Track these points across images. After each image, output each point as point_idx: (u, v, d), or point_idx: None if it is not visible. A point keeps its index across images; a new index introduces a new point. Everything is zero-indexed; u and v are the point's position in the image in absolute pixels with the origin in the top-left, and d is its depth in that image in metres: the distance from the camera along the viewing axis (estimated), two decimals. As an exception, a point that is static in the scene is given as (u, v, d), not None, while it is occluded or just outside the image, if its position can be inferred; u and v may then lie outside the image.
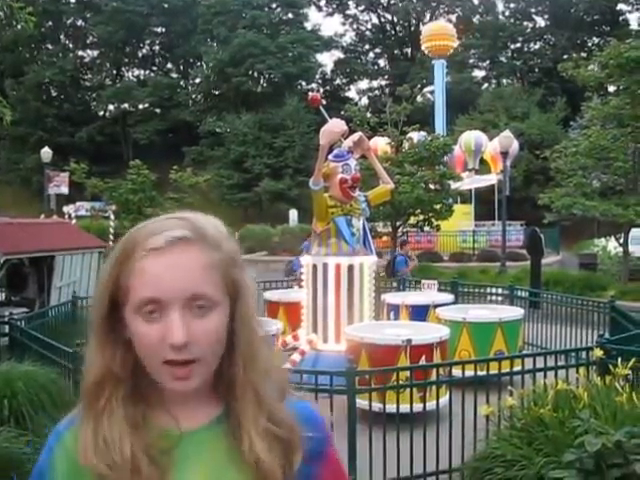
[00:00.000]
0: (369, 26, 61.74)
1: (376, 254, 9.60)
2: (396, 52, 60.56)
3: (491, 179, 31.21)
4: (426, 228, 21.20)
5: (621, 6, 52.88)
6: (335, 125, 8.59)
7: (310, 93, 10.09)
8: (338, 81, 60.80)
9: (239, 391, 1.21)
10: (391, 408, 5.52)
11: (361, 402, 5.72)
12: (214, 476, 1.20)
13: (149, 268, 1.14)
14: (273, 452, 1.19)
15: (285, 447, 1.21)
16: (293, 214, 34.49)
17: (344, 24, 61.74)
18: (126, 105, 54.55)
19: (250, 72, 50.45)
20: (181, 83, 57.75)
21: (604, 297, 12.69)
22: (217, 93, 53.91)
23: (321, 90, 54.39)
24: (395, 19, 60.20)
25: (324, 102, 9.90)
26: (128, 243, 1.19)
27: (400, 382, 5.67)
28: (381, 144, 22.57)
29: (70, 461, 1.21)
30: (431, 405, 5.88)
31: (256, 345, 1.24)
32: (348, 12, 60.89)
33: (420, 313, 9.63)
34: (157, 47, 60.57)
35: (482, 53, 55.21)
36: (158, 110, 54.32)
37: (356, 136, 9.24)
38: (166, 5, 55.23)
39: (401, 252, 15.33)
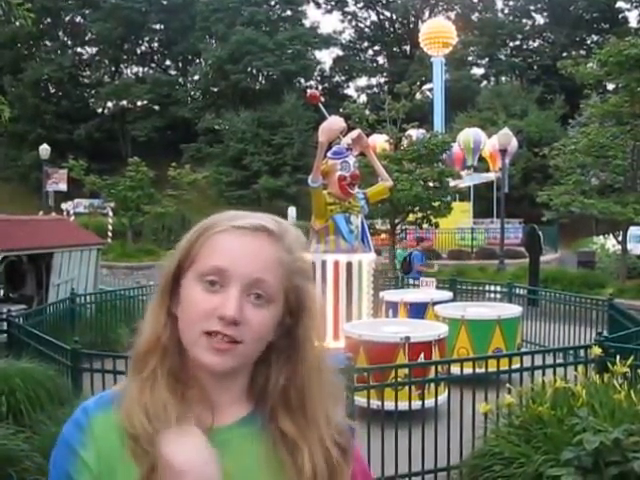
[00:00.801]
0: (368, 23, 61.71)
1: (375, 251, 9.61)
2: (395, 49, 60.51)
3: (490, 177, 31.23)
4: (425, 226, 21.19)
5: (620, 4, 52.90)
6: (334, 122, 8.59)
7: (309, 90, 10.10)
8: (337, 78, 60.74)
9: (308, 404, 1.23)
10: (389, 406, 5.52)
11: (359, 400, 5.72)
12: (240, 477, 1.20)
13: (225, 240, 1.20)
14: (331, 460, 1.23)
15: (342, 454, 1.25)
16: (292, 211, 34.44)
17: (343, 21, 61.73)
18: (124, 102, 54.45)
19: (249, 69, 50.37)
20: (180, 80, 57.65)
21: (602, 295, 12.71)
22: (216, 90, 53.81)
23: (320, 87, 54.31)
24: (394, 16, 60.13)
25: (323, 99, 9.90)
26: (209, 221, 1.24)
27: (398, 380, 5.67)
28: (380, 141, 22.56)
29: (108, 436, 1.19)
30: (429, 403, 5.88)
31: (321, 358, 1.27)
32: (347, 9, 60.87)
33: (418, 311, 9.64)
34: (156, 44, 60.45)
35: (481, 51, 55.17)
36: (157, 107, 54.22)
37: (355, 133, 9.24)
38: (165, 2, 55.14)
39: (418, 248, 15.25)
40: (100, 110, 56.34)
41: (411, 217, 20.62)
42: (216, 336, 1.16)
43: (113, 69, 58.79)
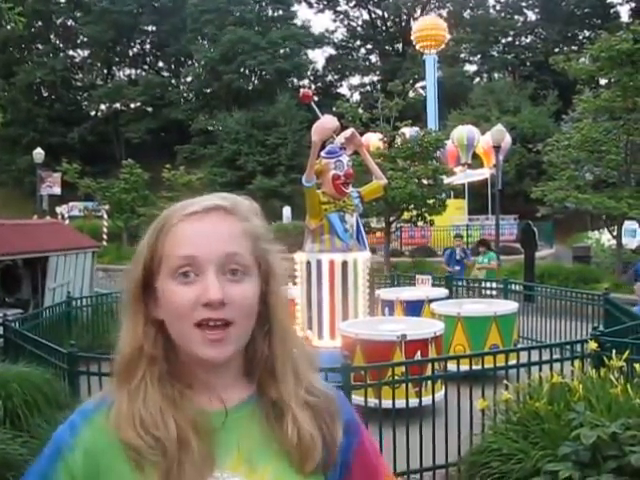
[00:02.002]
0: (360, 22, 61.65)
1: (369, 250, 9.61)
2: (387, 48, 60.46)
3: (484, 173, 31.22)
4: (420, 223, 21.21)
5: (611, -1, 53.02)
6: (327, 122, 8.58)
7: (301, 90, 10.09)
8: (330, 77, 60.72)
9: (278, 364, 1.24)
10: (387, 404, 5.53)
11: (357, 398, 5.73)
12: (247, 458, 1.20)
13: (185, 230, 1.19)
14: (313, 422, 1.22)
15: (325, 417, 1.25)
16: (287, 211, 34.47)
17: (335, 20, 61.65)
18: (118, 104, 54.34)
19: (241, 69, 50.32)
20: (172, 82, 57.56)
21: (598, 290, 12.72)
22: (209, 91, 53.75)
23: (313, 87, 54.28)
24: (386, 15, 60.11)
25: (315, 98, 9.90)
26: (164, 215, 1.24)
27: (395, 377, 5.68)
28: (373, 140, 22.57)
29: (99, 439, 1.18)
30: (427, 400, 5.90)
31: (289, 320, 1.29)
32: (339, 8, 60.81)
33: (415, 308, 9.67)
34: (148, 46, 60.36)
35: (473, 47, 55.19)
36: (150, 109, 54.15)
37: (348, 132, 9.24)
38: (156, 4, 55.05)
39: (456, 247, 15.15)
40: (93, 113, 56.26)
41: (406, 215, 20.64)
42: (207, 326, 1.15)
43: (105, 72, 58.68)
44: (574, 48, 44.12)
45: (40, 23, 54.18)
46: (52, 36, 56.99)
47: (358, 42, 61.55)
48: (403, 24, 58.58)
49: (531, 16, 55.73)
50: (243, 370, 1.27)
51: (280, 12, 54.68)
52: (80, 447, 1.18)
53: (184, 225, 1.19)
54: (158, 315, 1.21)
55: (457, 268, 13.99)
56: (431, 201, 19.96)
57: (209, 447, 1.17)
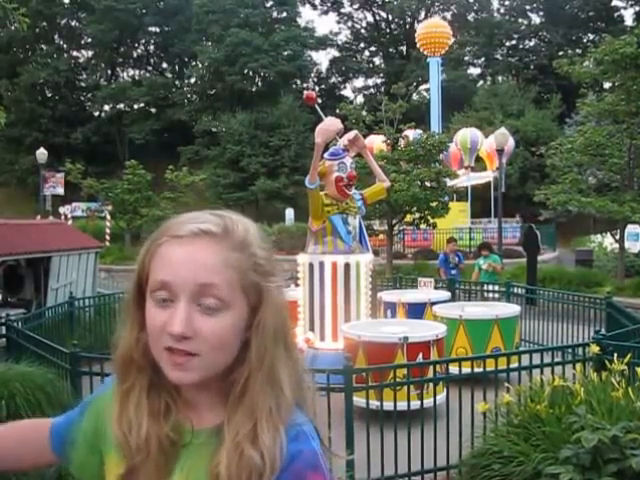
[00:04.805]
0: (364, 24, 61.73)
1: (372, 252, 9.62)
2: (391, 50, 60.49)
3: (487, 176, 31.25)
4: (422, 226, 21.21)
5: (615, 2, 53.01)
6: (330, 123, 8.59)
7: (305, 92, 10.10)
8: (333, 79, 60.74)
9: (246, 399, 1.16)
10: (388, 406, 5.53)
11: (358, 400, 5.74)
12: None
13: (166, 253, 1.16)
14: (239, 475, 1.12)
15: (254, 476, 1.12)
16: (289, 213, 34.51)
17: (339, 22, 61.74)
18: (121, 105, 54.46)
19: (245, 71, 50.35)
20: (176, 83, 57.63)
21: (600, 293, 12.72)
22: (212, 92, 53.79)
23: (317, 88, 54.34)
24: (390, 17, 60.14)
25: (319, 100, 9.91)
26: (160, 229, 1.22)
27: (397, 380, 5.68)
28: (377, 142, 22.60)
29: (96, 419, 1.34)
30: (428, 402, 5.89)
31: (271, 362, 1.18)
32: (343, 10, 60.88)
33: (417, 311, 9.65)
34: (152, 47, 60.45)
35: (477, 50, 55.19)
36: (153, 110, 54.26)
37: (351, 134, 9.25)
38: (160, 4, 55.12)
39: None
40: (97, 113, 56.34)
41: (409, 217, 20.65)
42: (172, 350, 1.14)
43: (109, 72, 58.80)
44: (578, 51, 44.20)
45: (44, 24, 54.35)
46: (56, 37, 57.13)
47: (362, 44, 61.60)
48: (407, 27, 58.61)
49: (535, 19, 55.77)
50: (224, 396, 1.20)
51: (284, 14, 54.76)
52: (96, 403, 1.37)
53: (167, 248, 1.17)
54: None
55: (453, 272, 13.95)
56: (434, 204, 19.96)
57: (168, 462, 1.20)
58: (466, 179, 30.06)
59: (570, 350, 6.54)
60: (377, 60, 61.62)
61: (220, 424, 1.18)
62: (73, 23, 57.44)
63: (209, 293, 1.14)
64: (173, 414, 1.22)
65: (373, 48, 61.50)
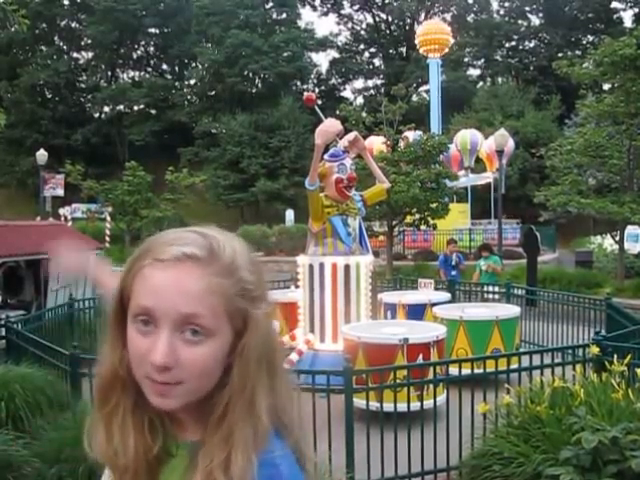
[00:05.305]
0: (364, 26, 61.79)
1: (372, 253, 9.62)
2: (391, 51, 60.54)
3: (487, 177, 31.27)
4: (422, 227, 21.21)
5: (615, 4, 53.06)
6: (330, 125, 8.60)
7: (305, 93, 10.11)
8: (333, 81, 60.76)
9: (224, 422, 1.12)
10: (388, 407, 5.53)
11: (358, 401, 5.74)
12: None
13: (149, 277, 1.11)
14: None
15: None
16: (289, 214, 34.53)
17: (339, 24, 61.96)
18: (121, 106, 54.51)
19: (245, 72, 50.39)
20: (176, 84, 57.65)
21: (600, 294, 12.72)
22: (212, 94, 53.84)
23: (316, 90, 54.39)
24: (390, 18, 60.18)
25: (319, 102, 9.93)
26: (143, 247, 1.16)
27: (397, 381, 5.68)
28: (377, 143, 22.60)
29: None
30: (428, 404, 5.89)
31: (252, 388, 1.13)
32: (343, 12, 60.99)
33: (417, 312, 9.65)
34: (152, 48, 60.51)
35: (477, 52, 55.25)
36: (153, 111, 54.31)
37: (351, 135, 9.26)
38: (160, 6, 55.13)
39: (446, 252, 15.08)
40: (97, 115, 56.38)
41: (409, 219, 20.65)
42: (155, 381, 1.11)
43: (109, 73, 58.83)
44: (577, 53, 44.22)
45: (44, 25, 54.40)
46: (56, 38, 57.17)
47: (362, 45, 61.65)
48: (407, 28, 58.66)
49: (535, 21, 55.84)
50: (205, 413, 1.17)
51: (284, 15, 54.82)
52: None
53: (150, 271, 1.11)
54: None
55: (454, 273, 13.96)
56: (434, 205, 19.96)
57: (154, 475, 1.18)
58: (466, 180, 30.08)
59: (570, 351, 6.54)
60: (377, 61, 61.74)
61: (199, 440, 1.15)
62: (73, 24, 57.48)
63: (193, 322, 1.09)
64: (159, 430, 1.19)
65: (373, 49, 61.57)
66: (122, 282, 1.16)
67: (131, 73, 60.70)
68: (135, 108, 55.02)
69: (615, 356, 5.28)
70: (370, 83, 61.39)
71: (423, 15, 58.06)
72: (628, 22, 51.30)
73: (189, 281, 1.09)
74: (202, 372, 1.11)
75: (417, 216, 20.22)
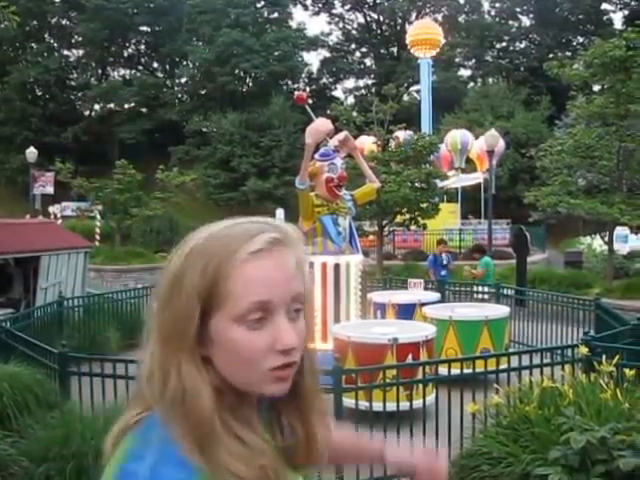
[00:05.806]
0: (355, 25, 61.83)
1: (362, 253, 9.61)
2: (382, 51, 60.60)
3: (477, 178, 31.32)
4: (412, 227, 21.22)
5: (605, 6, 53.34)
6: (321, 124, 8.59)
7: (296, 92, 10.10)
8: (324, 80, 60.77)
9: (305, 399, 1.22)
10: (378, 406, 5.53)
11: (348, 401, 5.73)
12: None
13: (256, 272, 1.09)
14: None
15: None
16: (280, 213, 34.45)
17: (330, 23, 61.85)
18: (112, 105, 54.27)
19: (236, 71, 50.34)
20: (167, 82, 57.53)
21: (589, 295, 12.78)
22: (203, 92, 53.76)
23: (307, 89, 54.32)
24: (381, 18, 60.25)
25: (310, 101, 9.91)
26: (218, 249, 1.10)
27: (387, 380, 5.69)
28: (367, 143, 22.60)
29: None
30: (418, 403, 5.90)
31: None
32: (334, 11, 61.00)
33: (407, 312, 9.66)
34: (142, 46, 60.29)
35: (468, 52, 55.39)
36: (144, 110, 54.13)
37: (342, 135, 9.25)
38: (151, 4, 54.98)
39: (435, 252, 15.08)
40: (87, 113, 56.15)
41: (399, 218, 20.66)
42: (282, 367, 1.11)
43: (100, 71, 58.61)
44: (568, 54, 44.33)
45: (34, 22, 54.08)
46: (46, 35, 56.88)
47: (353, 45, 61.69)
48: (398, 28, 58.73)
49: (525, 22, 56.06)
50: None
51: (276, 14, 54.78)
52: None
53: (252, 266, 1.09)
54: (208, 353, 1.11)
55: (443, 273, 13.99)
56: (424, 205, 19.98)
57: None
58: (456, 180, 30.12)
59: (559, 351, 6.57)
60: (368, 61, 61.78)
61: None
62: (64, 22, 57.19)
63: (297, 300, 1.14)
64: (276, 423, 1.21)
65: (364, 49, 61.61)
66: (203, 289, 1.09)
67: (122, 71, 60.50)
68: (126, 106, 54.80)
69: (604, 356, 5.30)
70: (361, 83, 61.54)
71: (414, 15, 58.16)
72: (618, 24, 51.60)
73: (288, 262, 1.13)
74: (304, 345, 1.16)
75: (407, 216, 20.24)
